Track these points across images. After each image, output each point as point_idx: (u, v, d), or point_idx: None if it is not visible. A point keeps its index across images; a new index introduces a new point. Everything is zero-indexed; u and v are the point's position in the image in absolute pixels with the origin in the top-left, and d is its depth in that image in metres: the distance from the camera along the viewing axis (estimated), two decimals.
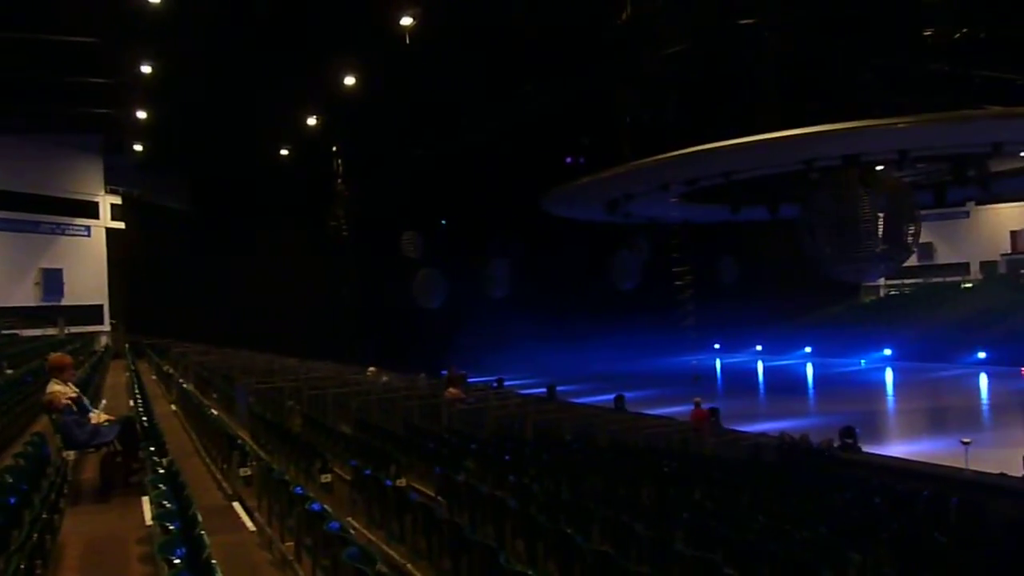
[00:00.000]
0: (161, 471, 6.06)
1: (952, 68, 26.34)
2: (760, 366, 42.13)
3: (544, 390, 28.10)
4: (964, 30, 23.42)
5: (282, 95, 24.66)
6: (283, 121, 27.55)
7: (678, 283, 31.14)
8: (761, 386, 37.13)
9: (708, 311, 41.59)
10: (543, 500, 7.26)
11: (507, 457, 10.35)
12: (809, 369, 39.26)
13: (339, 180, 33.79)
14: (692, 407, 20.16)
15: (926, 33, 23.72)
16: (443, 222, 43.00)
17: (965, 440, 15.80)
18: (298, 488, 6.04)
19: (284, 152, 31.77)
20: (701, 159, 21.17)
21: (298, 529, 5.65)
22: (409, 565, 5.83)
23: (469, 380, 27.47)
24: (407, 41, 19.65)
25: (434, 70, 23.20)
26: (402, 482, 8.14)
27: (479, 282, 38.43)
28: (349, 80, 23.00)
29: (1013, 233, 50.29)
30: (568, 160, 35.97)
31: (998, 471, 14.75)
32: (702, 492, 9.46)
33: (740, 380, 38.21)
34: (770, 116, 22.13)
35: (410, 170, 33.89)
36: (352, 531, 6.25)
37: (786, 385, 35.08)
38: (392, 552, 6.17)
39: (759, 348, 45.86)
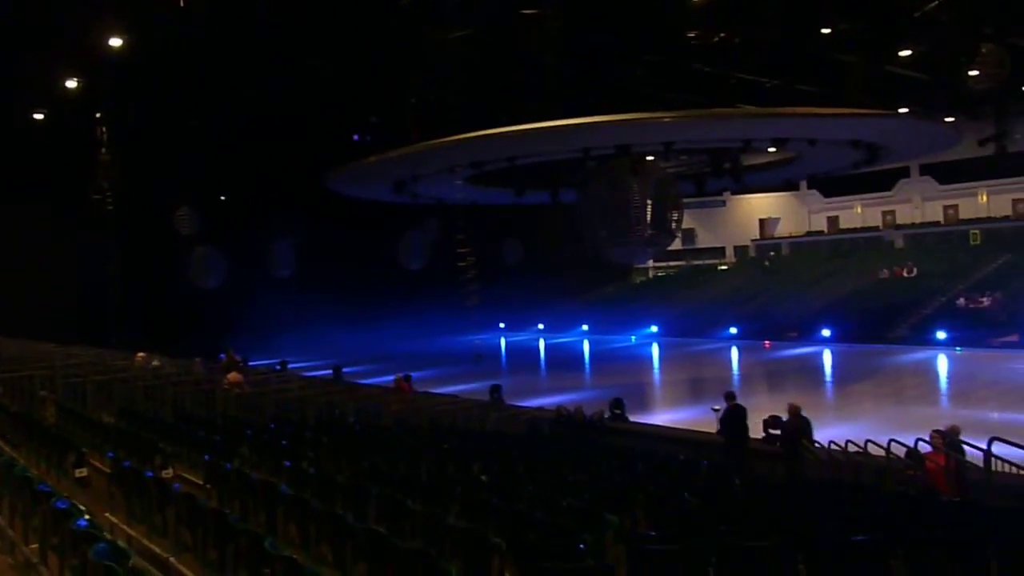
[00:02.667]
0: None
1: (712, 69, 28.86)
2: (542, 344, 43.99)
3: (330, 372, 27.61)
4: (722, 35, 25.66)
5: (37, 53, 22.09)
6: (38, 82, 24.69)
7: (462, 264, 31.71)
8: (542, 363, 38.80)
9: (494, 291, 42.77)
10: (319, 484, 7.17)
11: (284, 442, 10.09)
12: (586, 346, 41.56)
13: (103, 150, 30.88)
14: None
15: (690, 35, 25.75)
16: (222, 198, 40.74)
17: (715, 408, 17.45)
18: (43, 485, 5.55)
19: (38, 116, 28.51)
20: (486, 144, 21.59)
21: (43, 529, 5.20)
22: (172, 559, 5.56)
23: (250, 363, 26.38)
24: (181, 3, 18.36)
25: (212, 35, 21.82)
26: (169, 473, 7.71)
27: (262, 261, 36.89)
28: (116, 41, 20.99)
29: (761, 221, 56.18)
30: (356, 138, 35.37)
31: None
32: (480, 467, 9.76)
33: (523, 357, 39.71)
34: (551, 105, 23.09)
35: (186, 142, 31.70)
36: (109, 527, 5.84)
37: (564, 361, 36.91)
38: (154, 546, 5.84)
39: (541, 327, 47.87)
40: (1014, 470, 8.87)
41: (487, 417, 18.09)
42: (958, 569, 5.33)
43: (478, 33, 21.99)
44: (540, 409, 20.44)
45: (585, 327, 45.29)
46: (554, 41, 22.37)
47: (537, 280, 46.30)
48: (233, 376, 17.46)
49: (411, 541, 5.49)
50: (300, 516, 5.89)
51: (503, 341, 45.90)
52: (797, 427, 13.02)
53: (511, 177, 27.23)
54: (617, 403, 19.32)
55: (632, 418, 19.22)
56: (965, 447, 9.62)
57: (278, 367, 28.16)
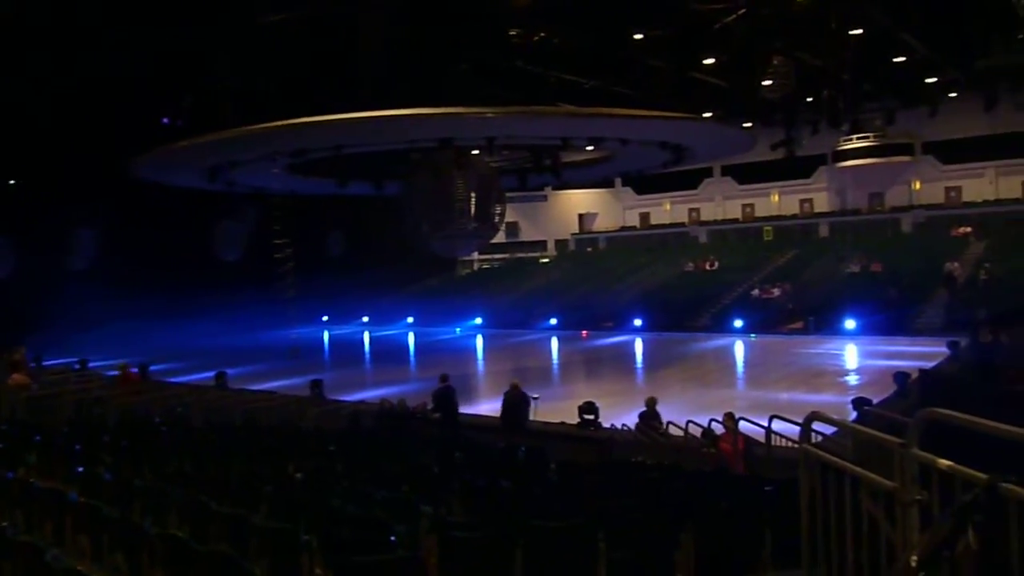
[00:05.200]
0: None
1: (534, 68, 29.64)
2: (366, 337, 43.46)
3: (136, 370, 25.84)
4: (542, 35, 26.41)
5: None
6: None
7: (278, 255, 30.72)
8: (366, 356, 38.37)
9: (316, 283, 41.72)
10: (115, 490, 6.74)
11: (77, 447, 9.39)
12: (411, 338, 41.52)
13: None
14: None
15: (512, 34, 26.30)
16: (11, 182, 36.96)
17: (534, 396, 18.03)
18: None
19: None
20: (305, 132, 21.00)
21: None
22: None
23: (45, 363, 24.25)
24: None
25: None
26: None
27: (58, 252, 33.90)
28: None
29: (581, 215, 58.43)
30: (165, 121, 33.21)
31: (559, 420, 17.15)
32: (295, 464, 9.54)
33: (346, 351, 39.07)
34: (375, 95, 22.83)
35: None
36: None
37: (389, 354, 36.71)
38: None
39: (366, 319, 47.27)
40: (790, 444, 9.85)
41: (306, 413, 17.66)
42: (739, 538, 5.86)
43: (297, 18, 21.32)
44: (363, 403, 20.20)
45: (410, 319, 45.21)
46: (376, 31, 22.14)
47: (361, 272, 45.64)
48: (18, 377, 15.98)
49: (215, 545, 5.29)
50: (91, 525, 5.52)
51: (326, 334, 44.90)
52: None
53: (333, 167, 26.67)
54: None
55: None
56: (752, 424, 10.55)
57: (77, 366, 26.03)
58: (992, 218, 41.48)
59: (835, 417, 5.10)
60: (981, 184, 44.11)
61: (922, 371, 14.33)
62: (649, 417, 14.92)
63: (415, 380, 27.40)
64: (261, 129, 20.88)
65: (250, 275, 37.32)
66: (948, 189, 45.40)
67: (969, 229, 40.74)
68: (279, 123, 20.14)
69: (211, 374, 23.25)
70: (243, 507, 6.32)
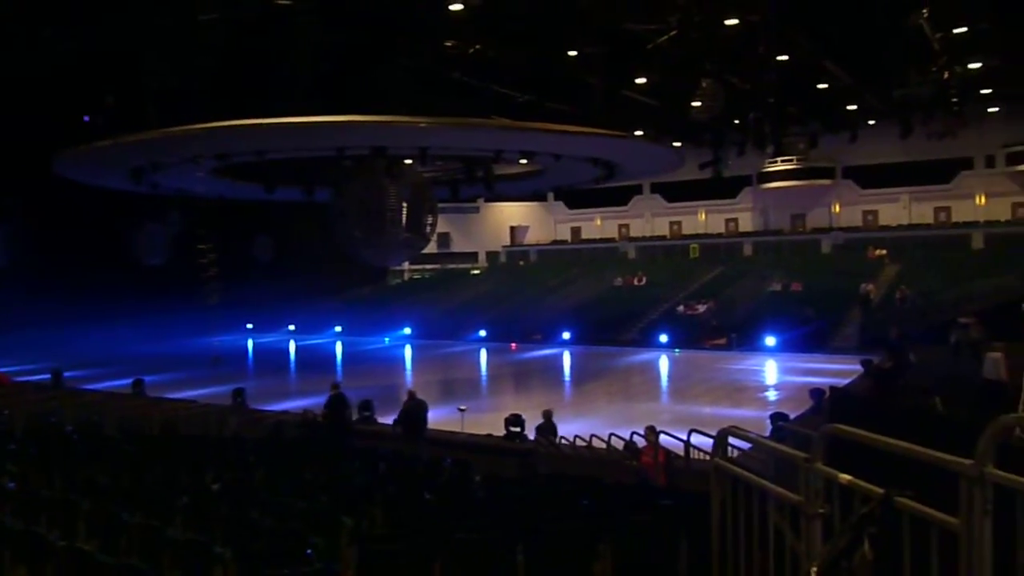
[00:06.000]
0: None
1: (470, 79, 29.72)
2: (292, 345, 42.69)
3: (48, 376, 24.82)
4: (477, 47, 26.51)
5: None
6: None
7: (203, 260, 29.95)
8: (291, 365, 37.68)
9: (242, 290, 40.82)
10: (19, 500, 6.48)
11: None
12: (338, 347, 40.95)
13: None
14: None
15: (448, 44, 26.33)
16: None
17: (462, 407, 18.05)
18: None
19: None
20: (231, 136, 20.61)
21: None
22: None
23: None
24: None
25: None
26: None
27: None
28: None
29: (512, 228, 58.77)
30: (86, 119, 32.07)
31: (485, 433, 17.19)
32: (213, 474, 9.32)
33: (271, 359, 38.27)
34: (305, 100, 22.52)
35: None
36: None
37: (315, 363, 36.13)
38: None
39: (292, 328, 46.43)
40: (705, 456, 10.09)
41: (227, 422, 17.25)
42: (656, 549, 5.98)
43: (226, 19, 20.91)
44: (286, 413, 19.84)
45: (338, 328, 44.58)
46: (308, 35, 21.89)
47: (289, 279, 44.86)
48: None
49: (125, 558, 5.14)
50: None
51: (250, 342, 43.91)
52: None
53: (261, 172, 26.22)
54: (366, 404, 19.30)
55: (381, 419, 19.28)
56: (672, 438, 10.78)
57: None
58: (906, 242, 43.36)
59: (751, 432, 5.27)
60: (896, 209, 46.07)
61: (832, 388, 14.89)
62: (545, 430, 15.24)
63: (341, 390, 26.98)
64: (183, 131, 20.41)
65: (173, 280, 36.27)
66: (865, 213, 47.28)
67: (884, 252, 42.47)
68: (203, 126, 19.73)
69: (128, 381, 22.54)
70: (156, 519, 6.14)
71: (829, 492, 3.50)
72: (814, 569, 2.81)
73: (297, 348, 41.95)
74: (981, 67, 27.52)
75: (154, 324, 39.95)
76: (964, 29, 23.28)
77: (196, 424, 16.90)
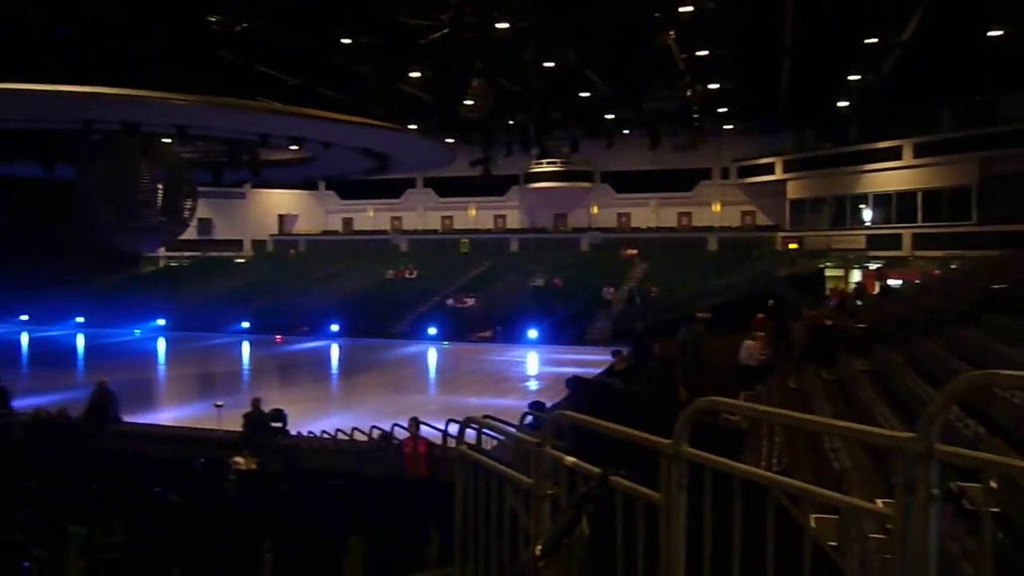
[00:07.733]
0: None
1: (235, 58, 28.23)
2: (25, 337, 38.29)
3: None
4: (245, 25, 25.28)
5: None
6: None
7: None
8: (24, 359, 33.82)
9: None
10: None
11: None
12: (80, 340, 37.28)
13: None
14: None
15: (211, 19, 24.85)
16: None
17: (219, 403, 17.22)
18: None
19: None
20: None
21: None
22: None
23: None
24: None
25: None
26: None
27: None
28: None
29: (281, 216, 56.76)
30: None
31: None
32: None
33: None
34: (48, 67, 20.26)
35: None
36: None
37: (52, 357, 32.71)
38: None
39: (25, 318, 41.58)
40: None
41: None
42: (408, 538, 6.11)
43: None
44: (14, 412, 17.81)
45: (81, 319, 40.54)
46: None
47: (24, 265, 40.12)
48: None
49: None
50: None
51: None
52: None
53: None
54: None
55: (126, 418, 17.90)
56: (433, 429, 11.00)
57: None
58: (654, 243, 47.25)
59: (497, 421, 5.52)
60: (646, 212, 50.08)
61: (576, 377, 15.93)
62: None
63: (81, 386, 24.70)
64: None
65: None
66: (620, 215, 50.91)
67: (635, 252, 45.97)
68: None
69: None
70: None
71: (558, 475, 3.78)
72: (539, 547, 3.02)
73: (30, 340, 37.68)
74: (719, 88, 30.59)
75: None
76: (706, 52, 25.76)
77: None
